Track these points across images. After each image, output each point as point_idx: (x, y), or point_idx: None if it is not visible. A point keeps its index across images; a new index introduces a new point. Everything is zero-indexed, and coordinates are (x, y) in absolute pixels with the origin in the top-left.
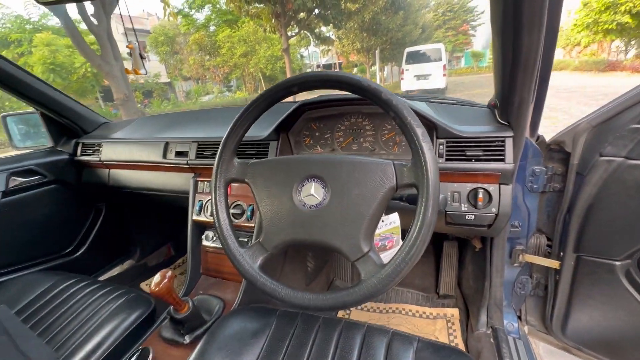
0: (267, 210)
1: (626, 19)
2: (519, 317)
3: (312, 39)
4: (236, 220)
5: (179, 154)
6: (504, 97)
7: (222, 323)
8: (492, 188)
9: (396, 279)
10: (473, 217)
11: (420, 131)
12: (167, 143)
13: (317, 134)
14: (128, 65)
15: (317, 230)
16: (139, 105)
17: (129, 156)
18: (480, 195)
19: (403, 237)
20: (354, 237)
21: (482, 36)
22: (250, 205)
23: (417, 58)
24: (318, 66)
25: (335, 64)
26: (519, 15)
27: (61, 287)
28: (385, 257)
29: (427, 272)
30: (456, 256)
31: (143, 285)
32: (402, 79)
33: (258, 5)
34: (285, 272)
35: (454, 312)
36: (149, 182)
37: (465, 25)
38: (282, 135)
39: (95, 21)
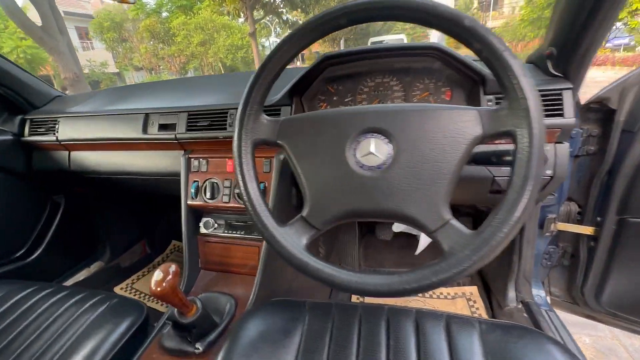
0: (312, 176)
1: None
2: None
3: (274, 27)
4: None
5: (163, 127)
6: (569, 42)
7: (244, 323)
8: (548, 147)
9: (498, 248)
10: None
11: (517, 63)
12: (147, 115)
13: (335, 97)
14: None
15: (383, 196)
16: None
17: (96, 133)
18: None
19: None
20: (433, 202)
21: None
22: (261, 182)
23: None
24: None
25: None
26: None
27: (17, 298)
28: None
29: (439, 251)
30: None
31: (118, 290)
32: None
33: None
34: None
35: (472, 290)
36: (127, 164)
37: None
38: (296, 99)
39: None
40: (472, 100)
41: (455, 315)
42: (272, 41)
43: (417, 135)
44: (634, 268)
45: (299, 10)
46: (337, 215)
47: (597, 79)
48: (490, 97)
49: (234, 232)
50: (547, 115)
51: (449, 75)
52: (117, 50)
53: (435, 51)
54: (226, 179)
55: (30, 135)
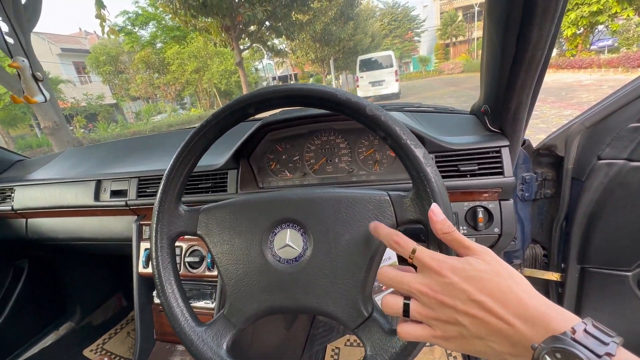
0: (230, 271)
1: None
2: None
3: (265, 52)
4: (194, 271)
5: (115, 193)
6: (499, 101)
7: None
8: (492, 205)
9: (415, 352)
10: (474, 240)
11: (421, 152)
12: (99, 181)
13: (283, 156)
14: (69, 88)
15: (301, 292)
16: (83, 130)
17: (51, 201)
18: (480, 215)
19: None
20: (351, 297)
21: (426, 42)
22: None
23: (370, 65)
24: (274, 78)
25: (290, 75)
26: (532, 5)
27: None
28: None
29: None
30: None
31: (87, 353)
32: (358, 86)
33: (206, 19)
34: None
35: None
36: (80, 230)
37: (410, 32)
38: (243, 161)
39: (11, 40)
40: None
41: None
42: (265, 63)
43: (331, 225)
44: (601, 318)
45: (284, 37)
46: (258, 313)
47: (584, 82)
48: (431, 155)
49: (188, 300)
50: (487, 174)
51: None
52: (113, 82)
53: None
54: (177, 247)
55: None
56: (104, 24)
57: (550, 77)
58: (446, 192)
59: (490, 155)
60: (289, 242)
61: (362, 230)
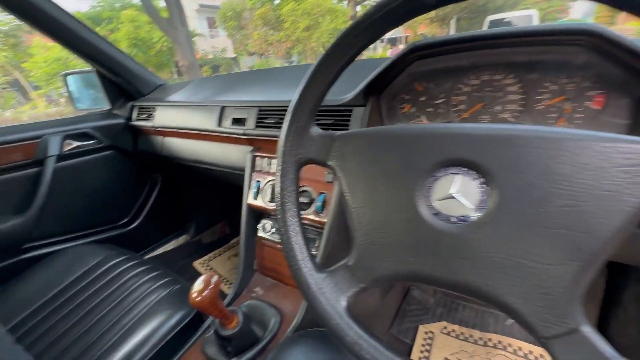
0: (365, 216)
1: None
2: None
3: None
4: (301, 212)
5: (236, 121)
6: None
7: (282, 353)
8: None
9: None
10: None
11: None
12: (223, 108)
13: (422, 98)
14: (201, 41)
15: (465, 265)
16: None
17: (181, 122)
18: None
19: None
20: (552, 293)
21: (583, 2)
22: (321, 193)
23: None
24: (381, 40)
25: (400, 37)
26: None
27: (110, 264)
28: None
29: None
30: (602, 286)
31: (196, 265)
32: None
33: None
34: None
35: None
36: (202, 153)
37: None
38: (372, 99)
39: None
40: None
41: None
42: None
43: (536, 179)
44: None
45: None
46: (394, 276)
47: None
48: None
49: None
50: None
51: (602, 72)
52: (235, 37)
53: (588, 37)
54: None
55: (136, 120)
56: None
57: None
58: None
59: None
60: (456, 193)
61: (597, 196)
